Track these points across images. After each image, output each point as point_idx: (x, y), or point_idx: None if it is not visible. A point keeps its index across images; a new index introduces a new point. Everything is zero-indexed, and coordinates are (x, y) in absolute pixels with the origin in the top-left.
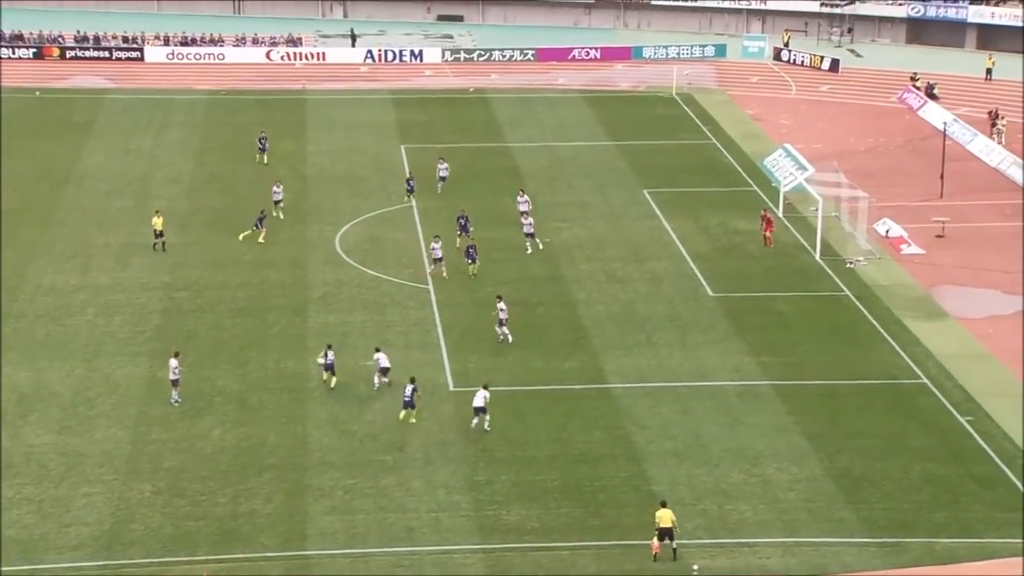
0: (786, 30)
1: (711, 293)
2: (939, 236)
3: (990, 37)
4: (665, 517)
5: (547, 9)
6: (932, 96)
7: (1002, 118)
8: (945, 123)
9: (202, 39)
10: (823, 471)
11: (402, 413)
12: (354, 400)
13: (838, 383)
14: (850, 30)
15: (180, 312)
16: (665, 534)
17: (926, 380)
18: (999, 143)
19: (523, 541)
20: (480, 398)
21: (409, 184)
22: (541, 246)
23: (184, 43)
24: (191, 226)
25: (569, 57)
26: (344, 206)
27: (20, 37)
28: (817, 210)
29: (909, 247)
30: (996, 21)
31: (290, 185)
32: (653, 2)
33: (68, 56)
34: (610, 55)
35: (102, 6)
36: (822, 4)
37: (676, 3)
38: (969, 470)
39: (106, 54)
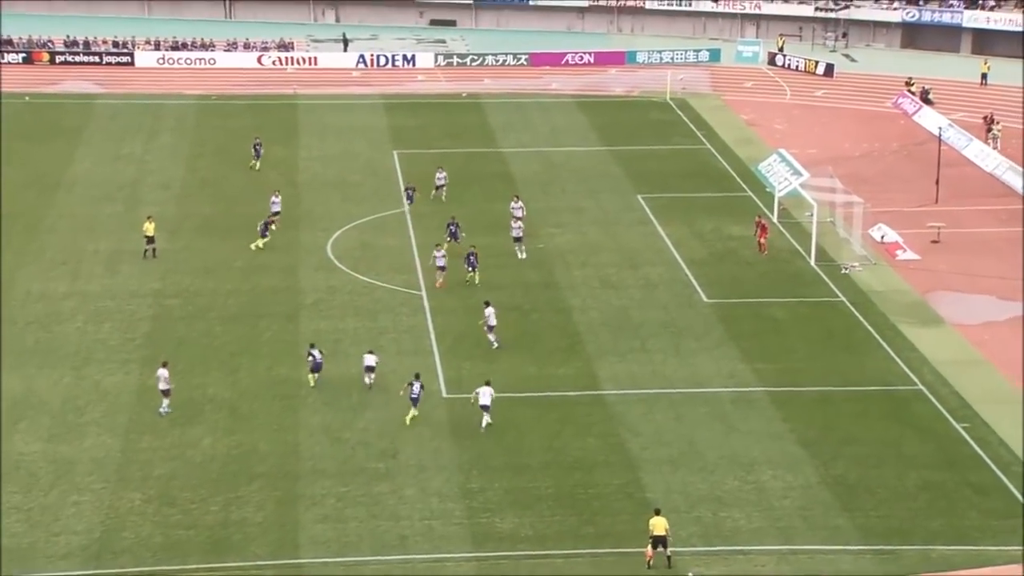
0: (781, 35)
1: (705, 299)
2: (934, 241)
3: (985, 42)
4: (659, 525)
5: (540, 13)
6: (927, 101)
7: (997, 123)
8: (940, 128)
9: (193, 44)
10: (818, 478)
11: (412, 413)
12: (346, 407)
13: (833, 390)
14: (845, 35)
15: (170, 319)
16: (659, 542)
17: (922, 386)
18: (994, 148)
19: (517, 549)
20: (487, 395)
21: (408, 193)
22: (524, 255)
23: (175, 48)
24: (182, 232)
25: (562, 62)
26: (336, 212)
27: (9, 42)
28: (812, 215)
29: (904, 253)
30: (991, 26)
31: (281, 191)
32: (647, 6)
33: (58, 61)
34: (604, 60)
35: (92, 10)
36: (817, 9)
37: (670, 7)
38: (965, 477)
39: (96, 59)
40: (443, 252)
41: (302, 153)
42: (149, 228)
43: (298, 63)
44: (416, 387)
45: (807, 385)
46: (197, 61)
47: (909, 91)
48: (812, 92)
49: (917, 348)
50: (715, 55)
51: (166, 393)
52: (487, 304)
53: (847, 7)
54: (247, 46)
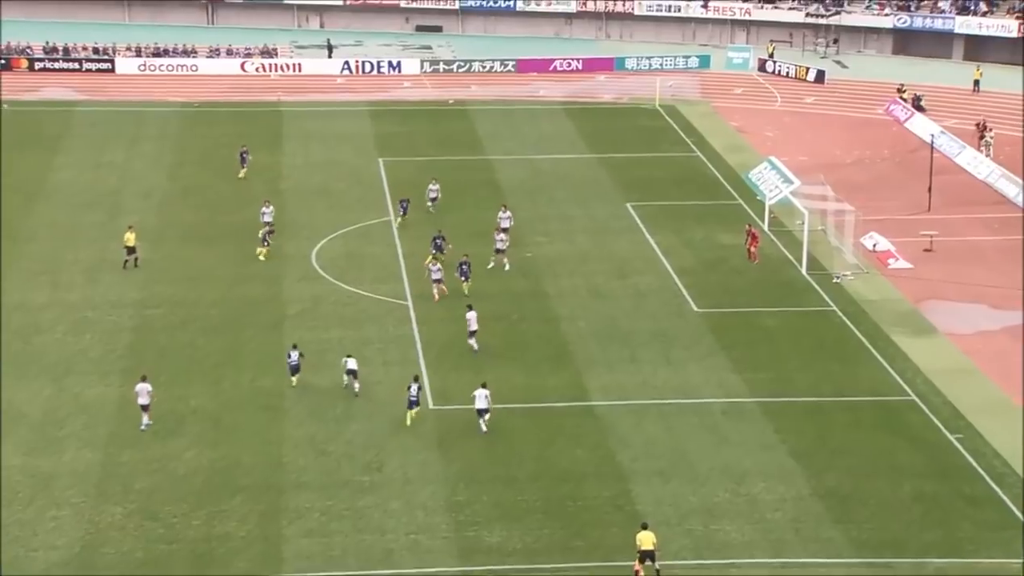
0: (771, 41)
1: (696, 308)
2: (927, 250)
3: (978, 48)
4: (646, 539)
5: (528, 19)
6: (919, 108)
7: (990, 130)
8: (932, 135)
9: (175, 50)
10: (810, 490)
11: (411, 412)
12: (331, 419)
13: (825, 400)
14: (836, 41)
15: (152, 330)
16: (647, 556)
17: (914, 397)
18: (987, 155)
19: (505, 563)
20: (482, 398)
21: (403, 206)
22: (508, 267)
23: (156, 54)
24: (164, 241)
25: (550, 68)
26: (321, 220)
27: None
28: (803, 224)
29: (896, 261)
30: (984, 32)
31: (263, 199)
32: (636, 12)
33: (37, 68)
34: (592, 66)
35: (72, 16)
36: (807, 15)
37: (659, 13)
38: (959, 488)
39: (76, 65)
40: (438, 266)
41: (286, 161)
42: (130, 238)
43: (282, 69)
44: (414, 389)
45: (799, 395)
46: (179, 68)
47: (901, 98)
48: (803, 99)
49: (910, 358)
50: (705, 61)
51: (146, 408)
52: (469, 308)
53: (838, 13)
54: (230, 52)
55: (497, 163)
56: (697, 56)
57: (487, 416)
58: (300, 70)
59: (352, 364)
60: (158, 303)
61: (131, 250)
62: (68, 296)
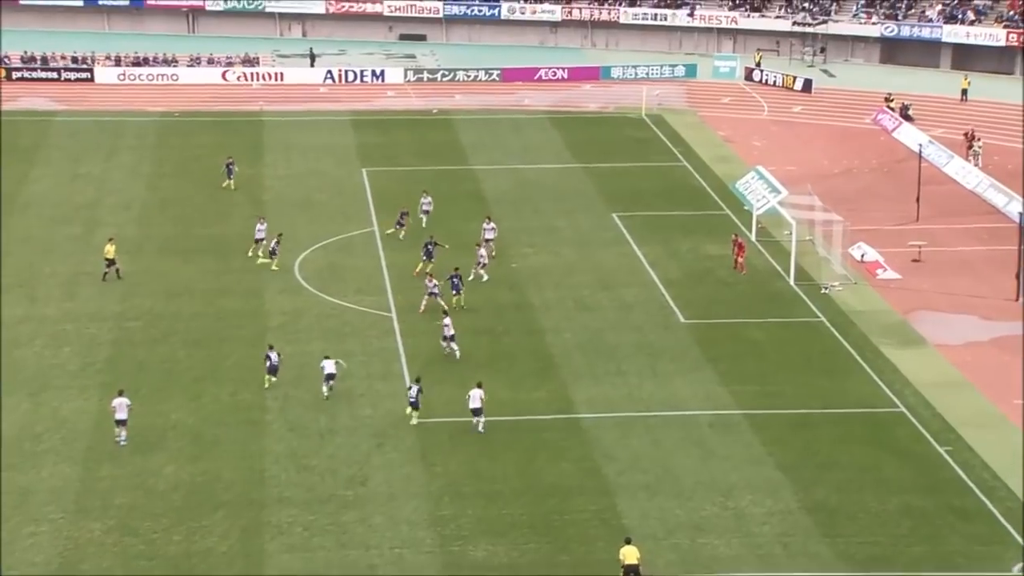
0: (758, 49)
1: (682, 320)
2: (915, 260)
3: (966, 57)
4: (630, 554)
5: (513, 28)
6: (907, 117)
7: (978, 139)
8: (920, 145)
9: (155, 59)
10: (798, 504)
11: (412, 413)
12: (314, 433)
13: (813, 412)
14: (823, 49)
15: (131, 343)
16: (631, 571)
17: (903, 409)
18: (975, 165)
19: None
20: (477, 398)
21: (400, 218)
22: (485, 278)
23: (136, 63)
24: (142, 254)
25: (535, 77)
26: (303, 232)
27: None
28: (791, 234)
29: (885, 272)
30: (971, 40)
31: (245, 211)
32: (621, 21)
33: (14, 77)
34: (578, 75)
35: (50, 24)
36: (794, 23)
37: (645, 22)
38: (948, 502)
39: (54, 75)
40: (435, 282)
41: (267, 171)
42: (110, 250)
43: (264, 79)
44: (414, 390)
45: (786, 408)
46: (159, 77)
47: (889, 107)
48: (790, 108)
49: (899, 369)
50: (691, 70)
51: (123, 423)
52: (445, 314)
53: (825, 22)
54: (211, 61)
55: (482, 173)
56: (684, 65)
57: (483, 417)
58: (282, 79)
59: (330, 368)
60: (137, 316)
61: (111, 262)
62: (45, 310)
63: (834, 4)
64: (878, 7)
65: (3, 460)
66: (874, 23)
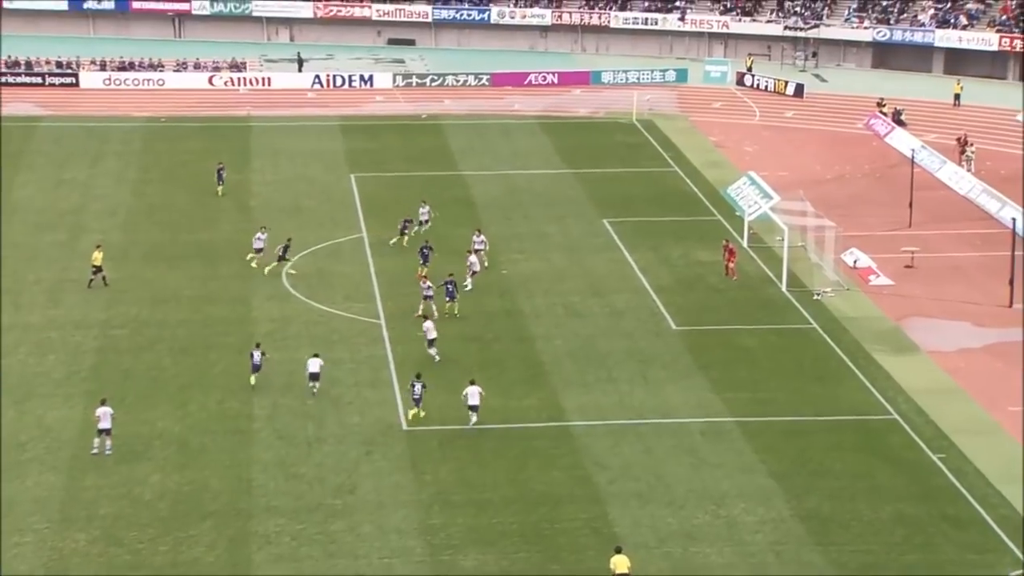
0: (749, 54)
1: (674, 327)
2: (908, 266)
3: (958, 62)
4: (621, 563)
5: (502, 32)
6: (899, 122)
7: (971, 144)
8: (913, 150)
9: (141, 64)
10: (791, 512)
11: (413, 411)
12: (301, 441)
13: (805, 420)
14: (815, 54)
15: (117, 351)
16: None
17: (896, 416)
18: (968, 170)
19: None
20: (475, 395)
21: (404, 227)
22: (470, 286)
23: (122, 68)
24: (128, 260)
25: (525, 82)
26: (291, 238)
27: None
28: (783, 240)
29: (878, 278)
30: (964, 45)
31: (232, 217)
32: (612, 25)
33: None
34: (568, 80)
35: (34, 29)
36: (786, 28)
37: (636, 26)
38: (941, 510)
39: (39, 80)
40: (428, 284)
41: (255, 177)
42: (98, 257)
43: (251, 84)
44: (418, 387)
45: (779, 415)
46: (145, 82)
47: (881, 112)
48: (782, 113)
49: (891, 376)
50: (682, 75)
51: (107, 432)
52: (425, 318)
53: (817, 26)
54: (197, 66)
55: (471, 179)
56: (675, 70)
57: (477, 413)
58: (269, 84)
59: (315, 367)
60: (123, 323)
61: (98, 269)
62: (30, 317)
63: (826, 8)
64: (870, 11)
65: None
66: (866, 27)
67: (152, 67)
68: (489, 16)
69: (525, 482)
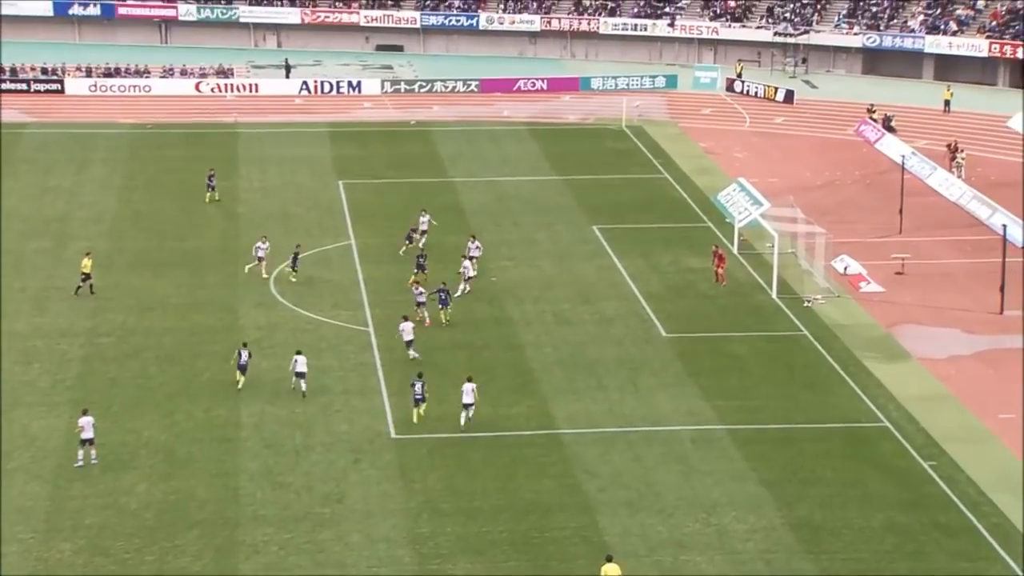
0: (739, 60)
1: (664, 334)
2: (899, 273)
3: (948, 68)
4: (611, 572)
5: (491, 38)
6: (890, 128)
7: (962, 151)
8: (903, 156)
9: (127, 70)
10: (781, 520)
11: (418, 410)
12: (289, 450)
13: (796, 427)
14: (804, 60)
15: (103, 359)
16: None
17: (887, 423)
18: (959, 176)
19: None
20: (469, 392)
21: (409, 235)
22: (468, 289)
23: (108, 74)
24: (114, 268)
25: (514, 88)
26: (278, 245)
27: None
28: (773, 247)
29: (868, 285)
30: (954, 51)
31: (219, 224)
32: (601, 31)
33: None
34: (557, 86)
35: (19, 34)
36: (775, 34)
37: (625, 32)
38: (933, 518)
39: (24, 86)
40: (421, 290)
41: (243, 184)
42: (87, 264)
43: (238, 90)
44: (419, 387)
45: (769, 423)
46: (131, 88)
47: (871, 118)
48: (772, 119)
49: (882, 384)
50: (672, 81)
51: (91, 443)
52: (404, 319)
53: (806, 32)
54: (184, 72)
55: (460, 185)
56: (664, 76)
57: (472, 410)
58: (257, 90)
59: (301, 366)
60: (109, 331)
61: (86, 276)
62: (15, 325)
63: (816, 14)
64: (860, 17)
65: None
66: (856, 33)
67: (138, 73)
68: (478, 22)
69: (515, 490)
